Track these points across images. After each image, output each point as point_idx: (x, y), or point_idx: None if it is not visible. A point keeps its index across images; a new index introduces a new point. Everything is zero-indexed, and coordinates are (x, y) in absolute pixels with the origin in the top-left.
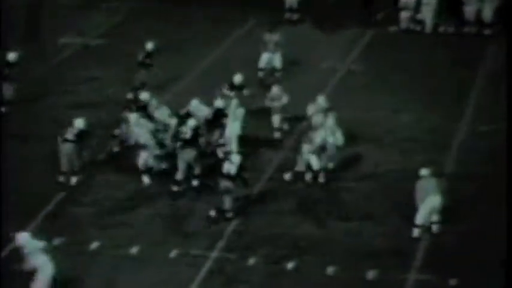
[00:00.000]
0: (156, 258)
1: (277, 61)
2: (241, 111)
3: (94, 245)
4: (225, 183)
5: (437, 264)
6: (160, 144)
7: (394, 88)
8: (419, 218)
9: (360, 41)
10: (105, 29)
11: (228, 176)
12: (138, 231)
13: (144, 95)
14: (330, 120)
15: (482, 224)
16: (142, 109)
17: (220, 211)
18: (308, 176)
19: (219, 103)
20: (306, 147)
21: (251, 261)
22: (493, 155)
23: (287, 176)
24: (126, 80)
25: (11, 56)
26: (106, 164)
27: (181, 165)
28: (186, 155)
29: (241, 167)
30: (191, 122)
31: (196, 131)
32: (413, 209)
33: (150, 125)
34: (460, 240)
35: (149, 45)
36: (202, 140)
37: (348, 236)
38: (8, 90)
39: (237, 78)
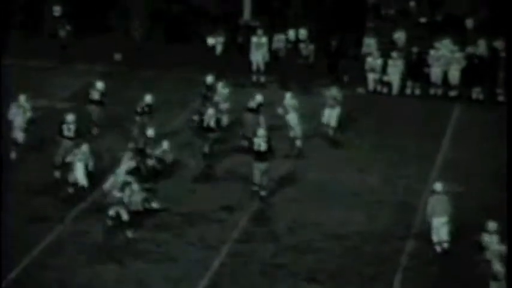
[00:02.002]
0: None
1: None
2: None
3: None
4: None
5: None
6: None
7: (361, 149)
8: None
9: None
10: (73, 91)
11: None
12: None
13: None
14: None
15: (452, 283)
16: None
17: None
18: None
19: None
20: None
21: None
22: (459, 216)
23: None
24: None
25: None
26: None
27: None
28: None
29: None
30: None
31: None
32: (375, 270)
33: None
34: None
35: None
36: None
37: None
38: None
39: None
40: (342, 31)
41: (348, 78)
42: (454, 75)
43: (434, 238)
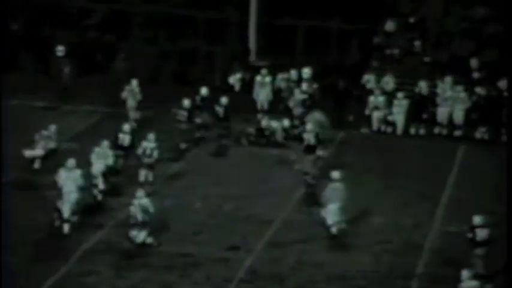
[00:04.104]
0: None
1: None
2: None
3: None
4: None
5: None
6: None
7: (365, 189)
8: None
9: (332, 141)
10: (76, 132)
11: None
12: None
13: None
14: None
15: None
16: None
17: None
18: None
19: None
20: None
21: None
22: (464, 256)
23: None
24: None
25: None
26: None
27: None
28: None
29: None
30: None
31: None
32: None
33: None
34: None
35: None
36: None
37: None
38: None
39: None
40: (346, 71)
41: (353, 118)
42: (459, 115)
43: (329, 221)
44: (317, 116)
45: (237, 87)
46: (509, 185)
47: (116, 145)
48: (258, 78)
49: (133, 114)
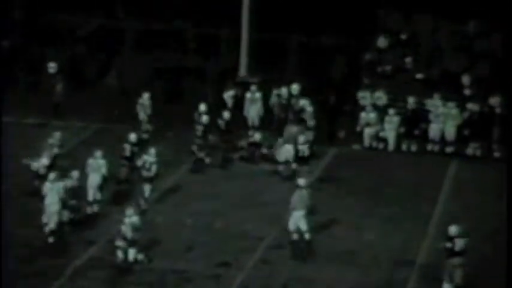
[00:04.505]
0: None
1: None
2: None
3: None
4: None
5: None
6: None
7: (357, 206)
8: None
9: (323, 158)
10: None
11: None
12: None
13: None
14: None
15: None
16: None
17: None
18: None
19: None
20: None
21: None
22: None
23: None
24: None
25: None
26: None
27: None
28: None
29: None
30: None
31: None
32: None
33: None
34: None
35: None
36: None
37: None
38: None
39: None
40: (337, 87)
41: (344, 134)
42: (451, 132)
43: (291, 227)
44: (293, 129)
45: (230, 104)
46: (509, 198)
47: (121, 155)
48: (248, 95)
49: (145, 126)
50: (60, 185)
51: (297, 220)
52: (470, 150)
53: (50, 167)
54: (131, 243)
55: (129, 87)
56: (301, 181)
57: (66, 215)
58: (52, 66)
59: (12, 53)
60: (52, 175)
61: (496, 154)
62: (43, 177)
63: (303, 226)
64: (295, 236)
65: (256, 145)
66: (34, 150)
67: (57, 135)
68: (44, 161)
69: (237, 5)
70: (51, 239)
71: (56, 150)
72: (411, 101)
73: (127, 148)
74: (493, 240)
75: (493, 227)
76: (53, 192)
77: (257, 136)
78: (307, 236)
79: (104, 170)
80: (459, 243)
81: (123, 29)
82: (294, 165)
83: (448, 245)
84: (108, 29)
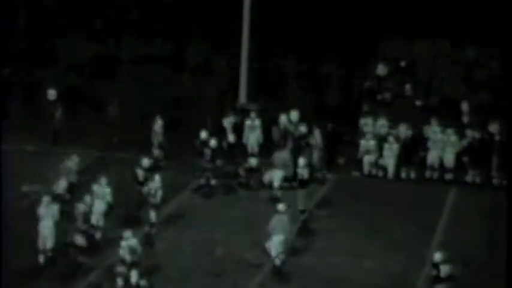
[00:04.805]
0: None
1: None
2: None
3: None
4: None
5: None
6: None
7: (356, 233)
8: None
9: (322, 184)
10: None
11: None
12: None
13: None
14: None
15: None
16: None
17: None
18: None
19: None
20: None
21: None
22: None
23: None
24: None
25: None
26: None
27: None
28: None
29: None
30: None
31: None
32: None
33: None
34: None
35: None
36: None
37: None
38: None
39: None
40: (337, 114)
41: (344, 161)
42: (450, 159)
43: (273, 253)
44: (282, 155)
45: (229, 131)
46: (510, 225)
47: (135, 180)
48: (248, 122)
49: (156, 152)
50: (55, 208)
51: (277, 245)
52: (469, 177)
53: (69, 191)
54: (131, 266)
55: (129, 116)
56: (280, 206)
57: (80, 240)
58: (51, 94)
59: (12, 80)
60: (46, 198)
61: (496, 181)
62: (64, 201)
63: (280, 249)
64: (277, 262)
65: (253, 171)
66: (33, 178)
67: (75, 158)
68: (63, 183)
69: (237, 30)
70: (43, 262)
71: (72, 179)
72: (400, 128)
73: (140, 173)
74: (492, 267)
75: (492, 255)
76: (48, 215)
77: (253, 161)
78: (282, 257)
79: (108, 198)
80: (444, 270)
81: (121, 57)
82: (276, 191)
83: (433, 272)
84: (106, 56)
